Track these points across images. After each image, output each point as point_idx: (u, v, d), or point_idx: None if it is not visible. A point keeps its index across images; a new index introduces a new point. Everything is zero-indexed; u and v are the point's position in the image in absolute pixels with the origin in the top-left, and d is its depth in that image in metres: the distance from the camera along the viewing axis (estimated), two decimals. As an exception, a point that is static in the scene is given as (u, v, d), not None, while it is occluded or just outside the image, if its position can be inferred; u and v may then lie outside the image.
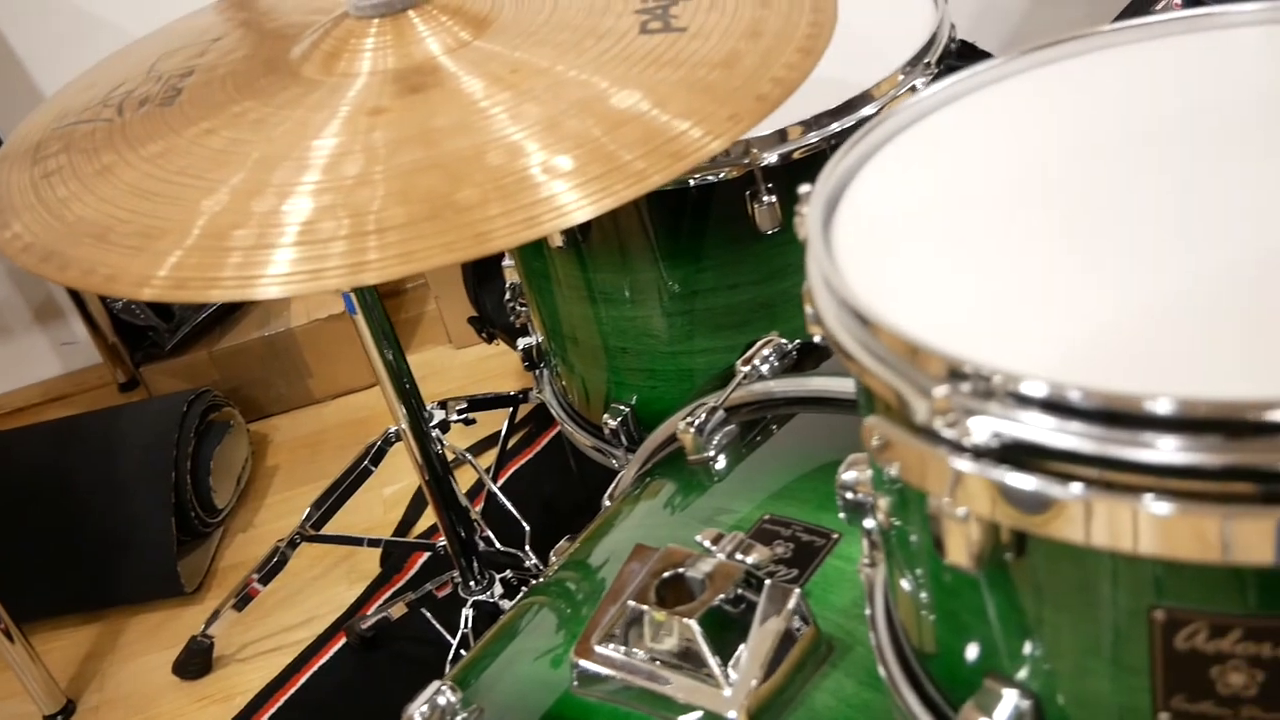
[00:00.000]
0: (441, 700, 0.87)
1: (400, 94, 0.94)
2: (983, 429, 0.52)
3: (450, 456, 1.69)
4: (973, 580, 0.60)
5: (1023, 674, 0.61)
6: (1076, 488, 0.50)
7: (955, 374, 0.53)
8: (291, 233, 0.83)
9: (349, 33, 0.99)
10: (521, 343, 1.61)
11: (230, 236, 0.83)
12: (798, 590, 0.83)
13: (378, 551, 2.07)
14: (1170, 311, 0.56)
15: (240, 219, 0.85)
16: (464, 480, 1.97)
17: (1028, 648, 0.60)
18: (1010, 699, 0.61)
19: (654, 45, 0.92)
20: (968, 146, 0.71)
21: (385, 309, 1.49)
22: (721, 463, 1.06)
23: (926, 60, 1.27)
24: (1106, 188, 0.65)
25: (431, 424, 1.62)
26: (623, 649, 0.85)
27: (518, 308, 1.62)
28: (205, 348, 2.43)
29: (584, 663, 0.86)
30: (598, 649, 0.85)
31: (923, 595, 0.66)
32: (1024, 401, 0.51)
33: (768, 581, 0.83)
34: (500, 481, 2.13)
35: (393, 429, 1.85)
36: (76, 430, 2.22)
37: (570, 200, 0.80)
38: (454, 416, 1.87)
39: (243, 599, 1.87)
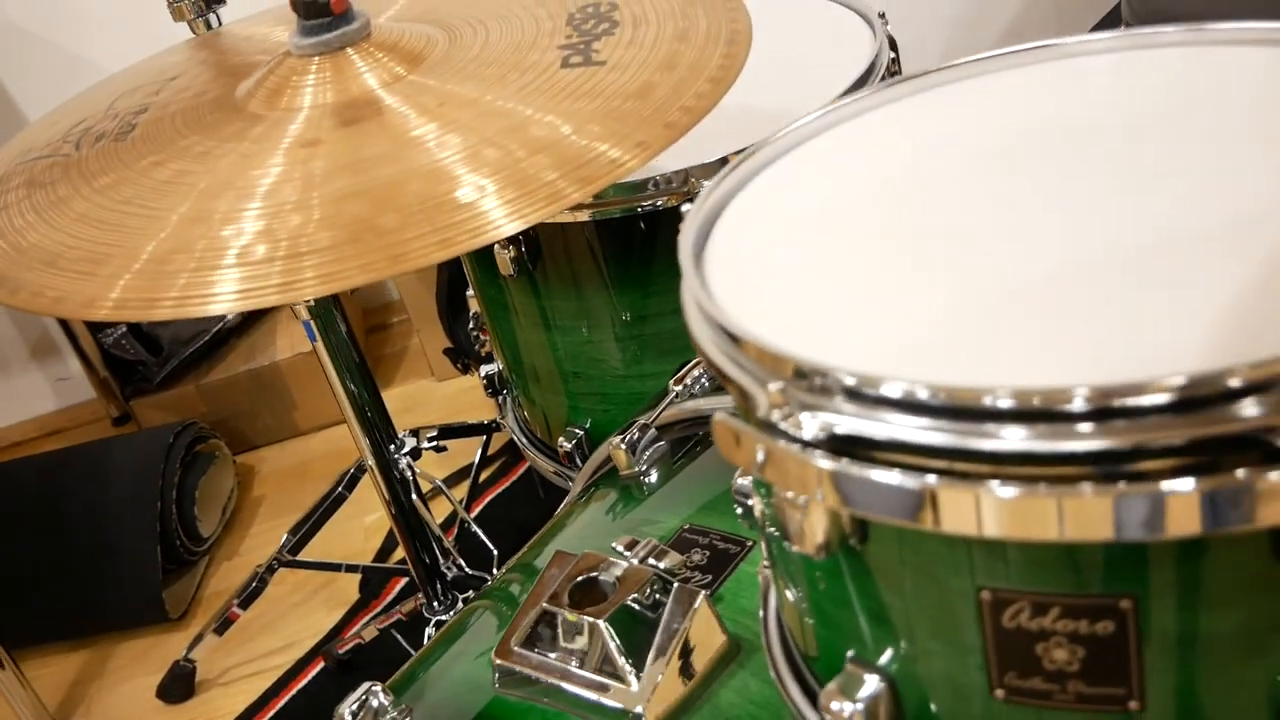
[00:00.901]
0: (373, 701, 0.91)
1: (336, 126, 0.99)
2: (814, 422, 0.56)
3: (426, 486, 1.74)
4: (828, 569, 0.64)
5: (878, 658, 0.65)
6: (898, 475, 0.55)
7: (795, 372, 0.58)
8: (230, 255, 0.88)
9: (291, 70, 1.04)
10: (484, 370, 1.66)
11: (173, 261, 0.88)
12: (704, 593, 0.87)
13: (357, 577, 2.11)
14: (995, 311, 0.61)
15: (184, 244, 0.90)
16: (443, 508, 2.02)
17: (880, 632, 0.64)
18: (870, 683, 0.65)
19: (574, 78, 0.98)
20: (835, 169, 0.76)
21: (354, 339, 1.53)
22: (653, 477, 1.11)
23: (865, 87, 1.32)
24: (954, 203, 0.70)
25: (404, 451, 1.67)
26: (539, 650, 0.89)
27: (481, 336, 1.66)
28: (193, 381, 2.48)
29: (504, 664, 0.90)
30: (516, 650, 0.90)
31: (794, 589, 0.70)
32: (851, 396, 0.56)
33: (675, 584, 0.87)
34: (477, 509, 2.18)
35: (369, 458, 1.89)
36: (66, 462, 2.27)
37: (484, 221, 0.85)
38: (425, 444, 1.91)
39: (223, 624, 1.91)
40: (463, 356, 2.13)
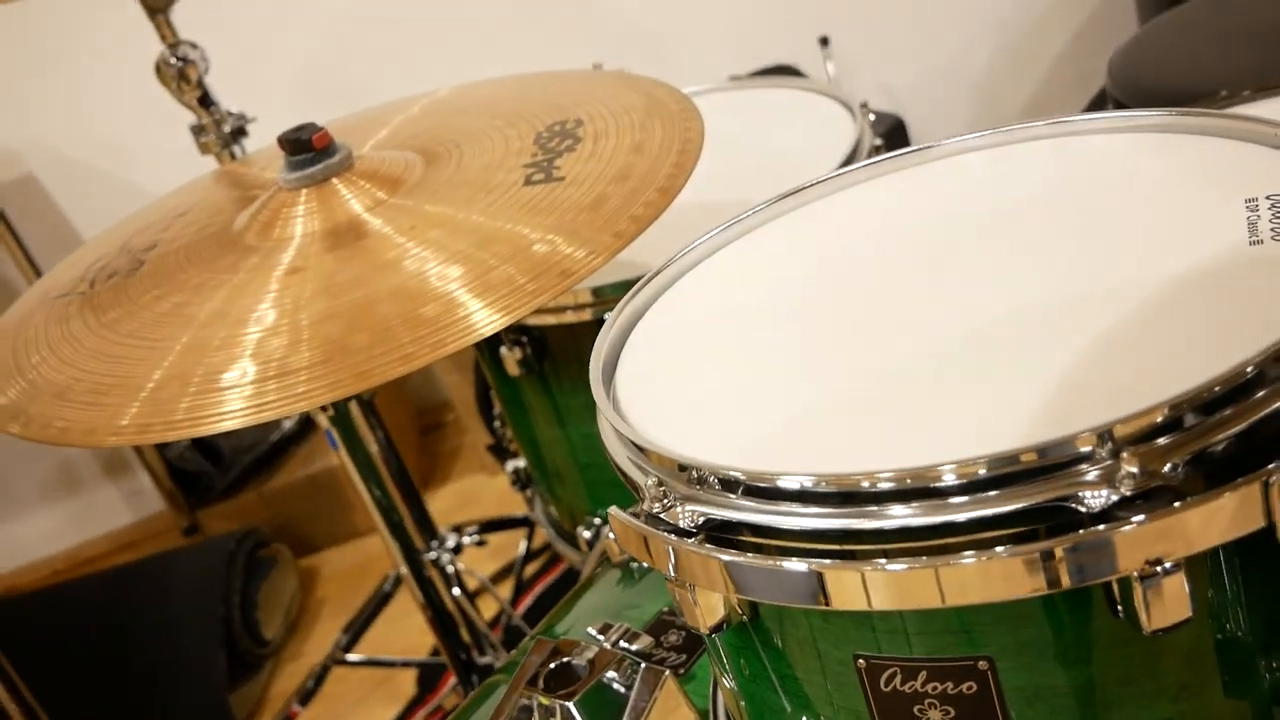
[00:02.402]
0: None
1: (323, 252, 1.07)
2: (690, 513, 0.62)
3: (474, 584, 1.80)
4: (735, 646, 0.69)
5: (785, 722, 0.70)
6: (763, 558, 0.60)
7: (677, 467, 0.64)
8: (224, 379, 0.96)
9: (282, 203, 1.12)
10: (509, 465, 1.72)
11: (171, 387, 0.96)
12: (667, 672, 0.91)
13: (414, 672, 2.17)
14: (864, 398, 0.66)
15: (183, 372, 0.98)
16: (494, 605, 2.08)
17: (787, 703, 0.69)
18: (786, 751, 0.70)
19: (535, 194, 1.05)
20: (734, 279, 0.83)
21: (390, 443, 1.60)
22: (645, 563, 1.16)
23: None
24: (837, 301, 0.76)
25: (446, 547, 1.73)
26: (520, 733, 0.94)
27: (506, 433, 1.73)
28: (255, 488, 2.58)
29: (488, 750, 0.95)
30: (500, 735, 0.95)
31: (721, 668, 0.75)
32: (724, 487, 0.62)
33: (642, 665, 0.92)
34: (525, 604, 2.23)
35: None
36: (131, 577, 2.38)
37: (448, 334, 0.92)
38: (465, 539, 1.97)
39: (284, 724, 1.98)
40: (503, 452, 2.20)
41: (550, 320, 1.38)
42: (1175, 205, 0.74)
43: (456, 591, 1.77)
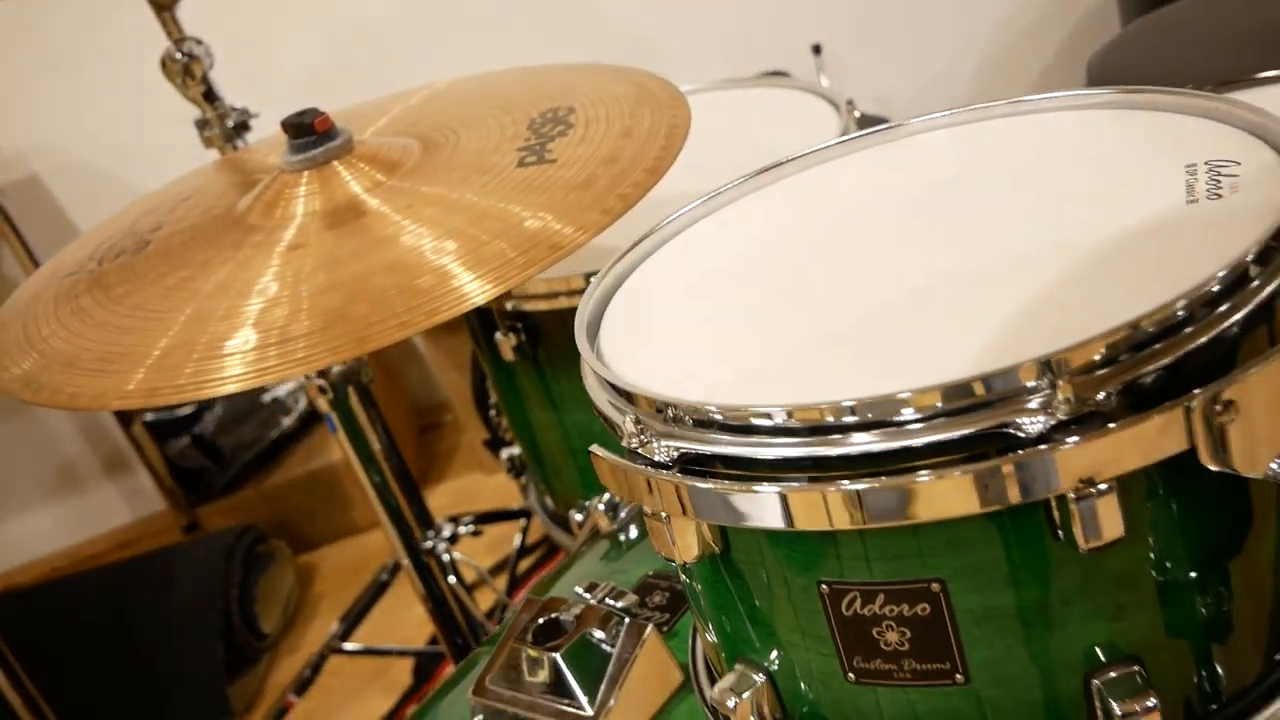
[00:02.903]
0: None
1: (323, 230, 1.12)
2: (663, 447, 0.67)
3: (471, 575, 1.84)
4: (709, 580, 0.74)
5: (759, 657, 0.74)
6: (727, 484, 0.65)
7: (654, 407, 0.68)
8: (227, 346, 1.00)
9: (284, 184, 1.17)
10: (504, 453, 1.77)
11: (175, 354, 1.01)
12: (650, 626, 0.96)
13: (410, 663, 2.21)
14: (830, 342, 0.71)
15: (188, 340, 1.03)
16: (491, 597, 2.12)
17: (757, 632, 0.73)
18: (751, 678, 0.74)
19: (528, 175, 1.10)
20: (712, 246, 0.88)
21: (388, 432, 1.64)
22: (632, 533, 1.20)
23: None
24: (804, 264, 0.82)
25: (442, 536, 1.77)
26: (509, 686, 0.98)
27: (501, 421, 1.77)
28: (254, 486, 2.62)
29: (480, 701, 0.99)
30: (490, 688, 0.99)
31: (697, 607, 0.80)
32: (690, 423, 0.66)
33: (626, 620, 0.97)
34: (521, 596, 2.27)
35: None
36: (132, 571, 2.42)
37: (442, 302, 0.97)
38: (461, 529, 2.02)
39: (280, 713, 2.01)
40: (499, 444, 2.25)
41: (544, 306, 1.42)
42: (1121, 171, 0.79)
43: (452, 580, 1.81)
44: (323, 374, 1.49)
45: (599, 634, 0.98)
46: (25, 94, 2.59)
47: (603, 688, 0.94)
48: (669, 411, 0.68)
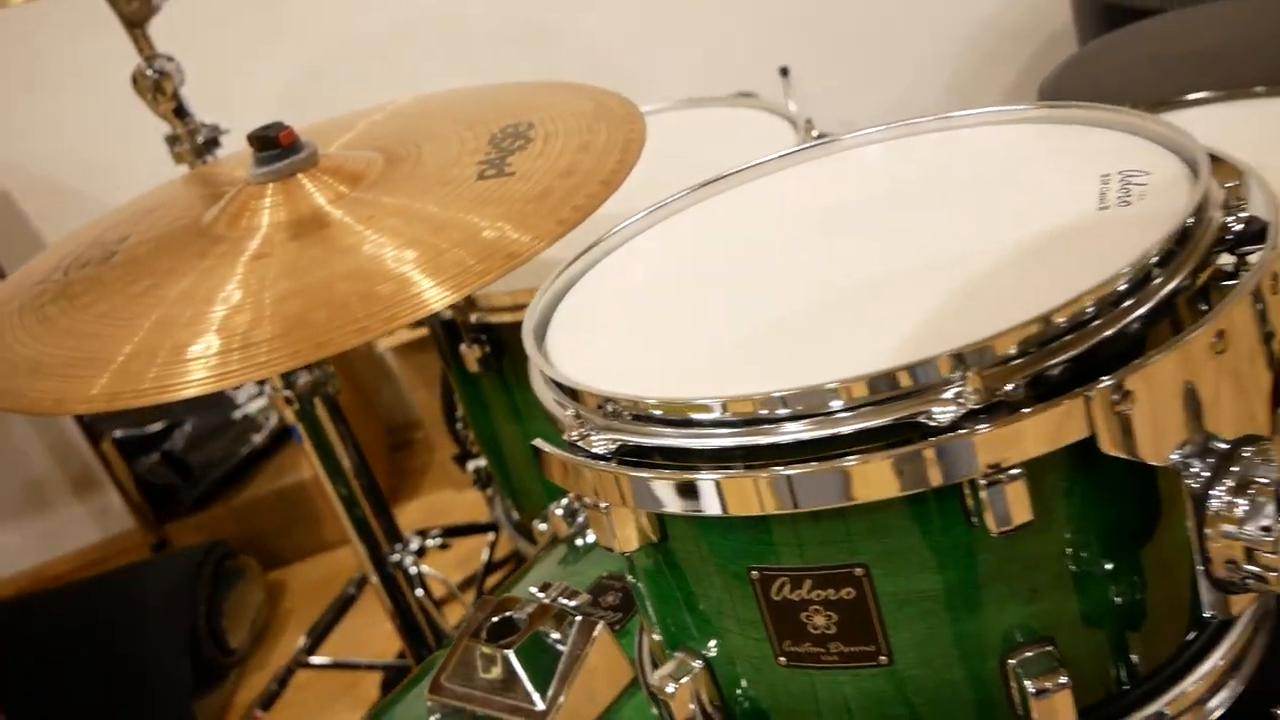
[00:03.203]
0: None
1: (288, 240, 1.15)
2: (603, 439, 0.70)
3: (440, 590, 1.86)
4: (649, 570, 0.77)
5: (697, 644, 0.77)
6: (663, 473, 0.68)
7: (595, 403, 0.72)
8: (191, 351, 1.03)
9: (250, 196, 1.20)
10: (471, 465, 1.80)
11: (139, 359, 1.04)
12: (601, 623, 0.99)
13: (379, 676, 2.22)
14: (758, 342, 0.75)
15: (152, 346, 1.05)
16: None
17: (694, 620, 0.77)
18: (689, 665, 0.77)
19: (487, 187, 1.13)
20: (655, 253, 0.92)
21: (357, 447, 1.66)
22: (589, 538, 1.23)
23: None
24: (741, 269, 0.86)
25: (410, 548, 1.80)
26: (464, 683, 1.01)
27: (469, 434, 1.80)
28: (224, 503, 2.64)
29: (436, 699, 1.02)
30: (446, 685, 1.02)
31: (642, 602, 0.83)
32: (628, 416, 0.69)
33: (578, 618, 1.00)
34: (485, 603, 2.29)
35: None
36: (101, 587, 2.43)
37: (398, 311, 1.00)
38: (429, 542, 2.04)
39: (247, 727, 2.03)
40: (466, 456, 2.27)
41: (508, 318, 1.46)
42: (1040, 181, 0.83)
43: (420, 593, 1.84)
44: (289, 385, 1.52)
45: (551, 632, 1.01)
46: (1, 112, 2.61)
47: (554, 684, 0.97)
48: (608, 406, 0.71)
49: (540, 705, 0.96)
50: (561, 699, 0.96)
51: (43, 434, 2.84)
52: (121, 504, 2.79)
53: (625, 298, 0.87)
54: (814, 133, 1.61)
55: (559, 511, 1.24)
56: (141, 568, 2.48)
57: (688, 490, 0.67)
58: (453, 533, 2.12)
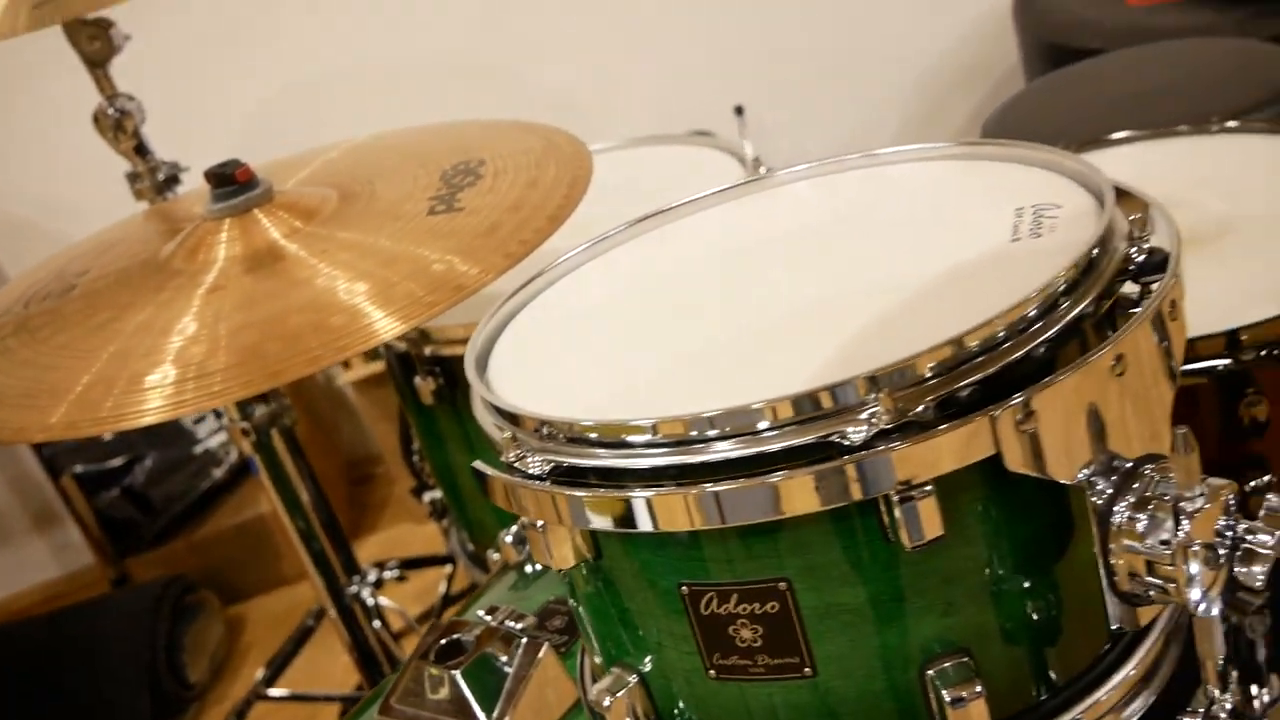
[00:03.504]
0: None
1: (243, 273, 1.18)
2: (538, 460, 0.73)
3: (399, 623, 1.88)
4: (585, 586, 0.80)
5: (631, 658, 0.80)
6: (596, 492, 0.71)
7: (533, 426, 0.75)
8: (147, 381, 1.06)
9: (206, 231, 1.23)
10: (427, 497, 1.82)
11: (97, 389, 1.06)
12: (546, 643, 1.02)
13: (337, 708, 2.24)
14: (690, 366, 0.78)
15: (110, 376, 1.08)
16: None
17: (629, 635, 0.80)
18: (625, 679, 0.80)
19: (437, 223, 1.16)
20: (595, 284, 0.96)
21: (314, 479, 1.69)
22: (539, 565, 1.26)
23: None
24: (675, 299, 0.89)
25: (367, 579, 1.82)
26: (413, 704, 1.04)
27: (424, 466, 1.83)
28: (184, 537, 2.65)
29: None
30: (395, 706, 1.04)
31: (582, 621, 0.86)
32: (563, 438, 0.73)
33: (524, 639, 1.03)
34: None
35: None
36: (60, 621, 2.44)
37: (350, 341, 1.03)
38: (386, 574, 2.06)
39: (204, 760, 2.04)
40: (423, 488, 2.29)
41: (461, 351, 1.48)
42: (958, 215, 0.87)
43: (377, 624, 1.86)
44: (246, 416, 1.54)
45: (498, 654, 1.03)
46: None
47: (500, 704, 1.00)
48: (544, 429, 0.75)
49: (487, 724, 0.99)
50: (508, 717, 0.99)
51: (3, 469, 2.84)
52: (82, 539, 2.79)
53: (565, 327, 0.91)
54: (762, 169, 1.65)
55: (508, 538, 1.27)
56: (101, 602, 2.48)
57: (620, 508, 0.70)
58: (410, 565, 2.14)
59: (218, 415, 2.75)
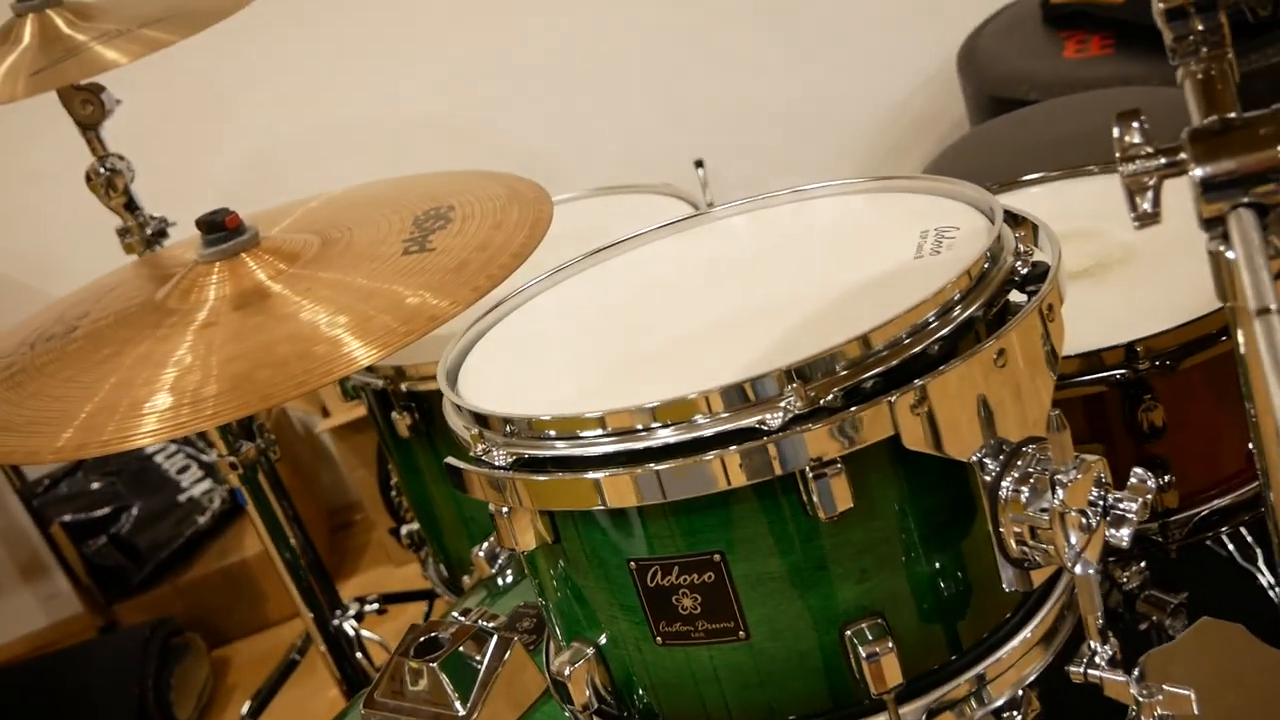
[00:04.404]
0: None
1: (232, 310, 1.28)
2: (502, 454, 0.84)
3: (382, 657, 1.96)
4: (546, 567, 0.90)
5: (588, 632, 0.91)
6: (551, 476, 0.82)
7: (499, 423, 0.86)
8: (146, 407, 1.16)
9: (199, 274, 1.34)
10: (404, 530, 1.92)
11: (100, 415, 1.17)
12: (515, 639, 1.12)
13: (320, 745, 2.31)
14: (637, 370, 0.89)
15: (111, 403, 1.18)
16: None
17: (585, 610, 0.90)
18: (583, 651, 0.91)
19: (410, 262, 1.27)
20: (553, 307, 1.08)
21: (299, 520, 1.78)
22: (509, 577, 1.36)
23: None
24: (624, 314, 1.00)
25: (349, 613, 1.92)
26: (394, 697, 1.13)
27: (402, 501, 1.92)
28: (170, 582, 2.73)
29: (370, 713, 1.14)
30: (379, 700, 1.14)
31: (543, 601, 0.96)
32: (524, 433, 0.83)
33: (495, 636, 1.13)
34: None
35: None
36: (50, 665, 2.52)
37: (333, 365, 1.13)
38: (367, 608, 2.15)
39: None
40: (400, 521, 2.38)
41: (434, 386, 1.59)
42: (871, 238, 0.99)
43: (360, 656, 1.95)
44: (234, 451, 1.64)
45: (471, 649, 1.13)
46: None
47: (475, 692, 1.10)
48: (508, 427, 0.85)
49: (462, 711, 1.09)
50: (482, 705, 1.09)
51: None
52: (69, 589, 2.86)
53: (526, 344, 1.02)
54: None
55: (480, 553, 1.37)
56: (91, 644, 2.56)
57: (575, 489, 0.81)
58: (390, 600, 2.23)
59: (201, 465, 2.84)
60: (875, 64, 2.82)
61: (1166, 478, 1.16)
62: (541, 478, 0.82)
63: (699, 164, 2.63)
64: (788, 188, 1.10)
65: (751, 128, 2.83)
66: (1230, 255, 0.60)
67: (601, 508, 0.81)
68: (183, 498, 2.77)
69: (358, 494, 2.91)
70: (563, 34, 2.75)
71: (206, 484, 2.78)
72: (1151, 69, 2.20)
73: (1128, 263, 1.27)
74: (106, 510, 2.71)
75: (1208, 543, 1.21)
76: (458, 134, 2.78)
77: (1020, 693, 0.90)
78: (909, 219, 0.98)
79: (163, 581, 2.73)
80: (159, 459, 2.81)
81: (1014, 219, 0.95)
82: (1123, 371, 1.12)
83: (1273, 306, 0.55)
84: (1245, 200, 0.60)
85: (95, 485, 2.74)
